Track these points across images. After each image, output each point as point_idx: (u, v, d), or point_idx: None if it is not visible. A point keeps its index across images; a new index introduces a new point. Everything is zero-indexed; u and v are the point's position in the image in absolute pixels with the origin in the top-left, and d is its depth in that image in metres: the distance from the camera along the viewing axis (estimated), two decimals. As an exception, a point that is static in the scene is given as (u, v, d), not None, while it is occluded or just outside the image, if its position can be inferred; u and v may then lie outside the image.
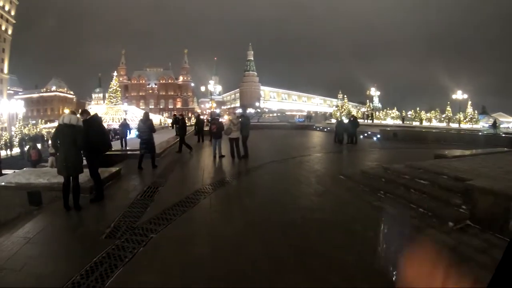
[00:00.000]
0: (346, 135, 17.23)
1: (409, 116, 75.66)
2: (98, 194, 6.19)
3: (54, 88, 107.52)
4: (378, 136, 21.27)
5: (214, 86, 29.85)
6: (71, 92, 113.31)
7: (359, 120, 20.62)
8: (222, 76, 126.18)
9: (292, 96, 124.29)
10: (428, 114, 74.57)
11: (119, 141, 16.66)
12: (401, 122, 60.05)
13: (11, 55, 75.25)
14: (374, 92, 43.80)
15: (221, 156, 11.40)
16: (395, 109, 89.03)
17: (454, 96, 45.23)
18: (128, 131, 17.04)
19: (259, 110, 70.38)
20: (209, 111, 63.95)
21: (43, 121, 78.24)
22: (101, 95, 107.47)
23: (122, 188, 7.35)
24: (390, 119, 76.09)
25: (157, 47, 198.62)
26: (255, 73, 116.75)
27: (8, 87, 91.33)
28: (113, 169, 8.41)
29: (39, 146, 28.37)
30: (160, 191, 6.91)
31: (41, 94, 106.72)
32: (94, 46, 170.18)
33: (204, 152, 14.00)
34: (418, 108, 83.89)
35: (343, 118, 22.11)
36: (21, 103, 47.84)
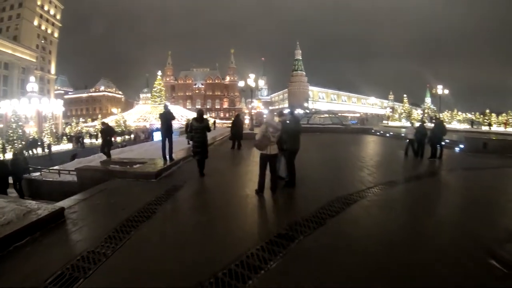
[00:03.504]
0: (412, 146, 13.15)
1: (477, 119, 65.78)
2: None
3: (102, 88, 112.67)
4: (462, 146, 16.18)
5: (254, 81, 25.27)
6: (119, 92, 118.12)
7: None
8: (270, 76, 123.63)
9: (342, 97, 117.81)
10: (499, 117, 63.82)
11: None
12: (469, 126, 51.89)
13: (59, 57, 77.53)
14: (440, 91, 36.68)
15: (281, 179, 7.28)
16: (456, 111, 79.12)
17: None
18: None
19: (307, 111, 64.98)
20: (254, 111, 60.30)
21: (90, 119, 79.68)
22: (148, 95, 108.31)
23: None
24: (457, 122, 66.67)
25: (204, 48, 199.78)
26: (303, 73, 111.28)
27: (58, 87, 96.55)
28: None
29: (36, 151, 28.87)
30: None
31: (90, 94, 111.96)
32: (142, 48, 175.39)
33: (239, 170, 9.98)
34: (487, 111, 73.83)
35: (416, 122, 16.62)
36: (60, 102, 47.75)
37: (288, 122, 7.12)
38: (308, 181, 7.74)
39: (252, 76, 26.26)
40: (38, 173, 13.18)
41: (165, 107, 10.13)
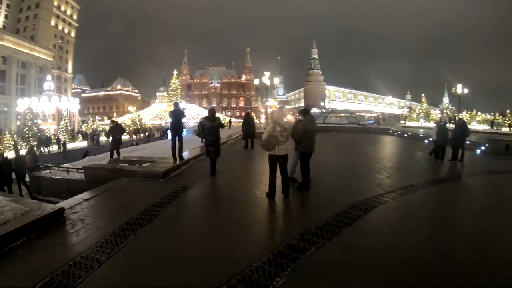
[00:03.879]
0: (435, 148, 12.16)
1: (496, 120, 63.33)
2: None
3: (119, 86, 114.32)
4: (483, 148, 15.20)
5: (269, 79, 24.88)
6: (136, 91, 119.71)
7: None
8: (286, 75, 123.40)
9: (358, 96, 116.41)
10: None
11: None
12: (489, 127, 50.13)
13: (76, 56, 78.80)
14: (460, 90, 35.18)
15: (293, 180, 7.09)
16: (474, 111, 76.33)
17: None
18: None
19: (324, 110, 63.97)
20: (270, 110, 59.85)
21: (106, 117, 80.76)
22: (165, 93, 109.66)
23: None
24: (476, 123, 64.42)
25: (220, 47, 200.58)
26: (320, 72, 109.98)
27: (76, 86, 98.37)
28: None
29: (46, 149, 29.20)
30: None
31: (107, 92, 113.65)
32: (159, 47, 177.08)
33: (251, 171, 9.64)
34: (508, 111, 70.99)
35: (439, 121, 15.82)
36: (76, 100, 48.42)
37: (302, 120, 6.75)
38: (323, 184, 7.30)
39: (267, 74, 25.94)
40: (47, 171, 13.09)
41: (176, 104, 9.82)
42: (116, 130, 11.97)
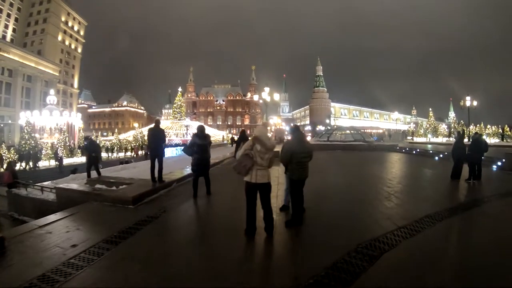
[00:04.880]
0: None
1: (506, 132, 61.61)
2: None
3: (125, 103, 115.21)
4: (499, 163, 13.81)
5: (268, 95, 24.02)
6: (142, 108, 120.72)
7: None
8: (291, 93, 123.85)
9: (364, 113, 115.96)
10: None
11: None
12: (498, 140, 48.91)
13: (83, 71, 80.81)
14: (469, 103, 33.34)
15: (286, 209, 6.13)
16: (482, 124, 74.81)
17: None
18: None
19: (329, 128, 62.85)
20: (274, 128, 59.03)
21: (112, 133, 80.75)
22: (170, 110, 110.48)
23: None
24: (486, 136, 62.63)
25: (226, 65, 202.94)
26: (325, 89, 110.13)
27: (82, 101, 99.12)
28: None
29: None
30: None
31: (113, 108, 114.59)
32: (165, 64, 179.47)
33: (238, 197, 8.18)
34: None
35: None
36: (79, 115, 48.06)
37: (290, 137, 5.59)
38: (321, 215, 6.04)
39: (267, 89, 24.90)
40: (25, 188, 12.30)
41: (156, 121, 8.94)
42: (91, 147, 11.14)
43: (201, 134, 7.66)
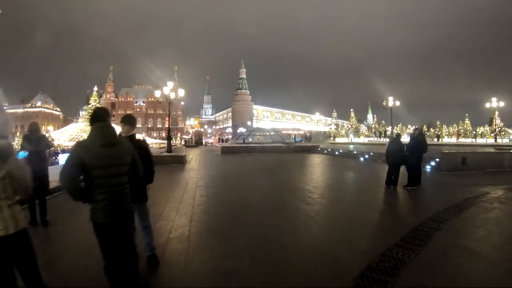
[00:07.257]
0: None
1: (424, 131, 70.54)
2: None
3: (39, 103, 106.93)
4: (433, 163, 13.32)
5: (171, 91, 23.38)
6: (58, 109, 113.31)
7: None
8: (215, 95, 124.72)
9: (286, 115, 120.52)
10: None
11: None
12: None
13: None
14: (391, 103, 29.83)
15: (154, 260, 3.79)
16: (401, 125, 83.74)
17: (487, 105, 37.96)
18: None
19: (247, 130, 64.50)
20: (191, 130, 59.81)
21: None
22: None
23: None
24: (407, 135, 71.41)
25: (148, 66, 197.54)
26: (248, 92, 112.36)
27: None
28: None
29: None
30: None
31: (25, 110, 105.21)
32: (85, 64, 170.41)
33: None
34: (438, 122, 78.89)
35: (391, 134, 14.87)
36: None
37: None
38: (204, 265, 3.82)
39: (170, 84, 23.27)
40: None
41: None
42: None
43: (33, 136, 5.47)
